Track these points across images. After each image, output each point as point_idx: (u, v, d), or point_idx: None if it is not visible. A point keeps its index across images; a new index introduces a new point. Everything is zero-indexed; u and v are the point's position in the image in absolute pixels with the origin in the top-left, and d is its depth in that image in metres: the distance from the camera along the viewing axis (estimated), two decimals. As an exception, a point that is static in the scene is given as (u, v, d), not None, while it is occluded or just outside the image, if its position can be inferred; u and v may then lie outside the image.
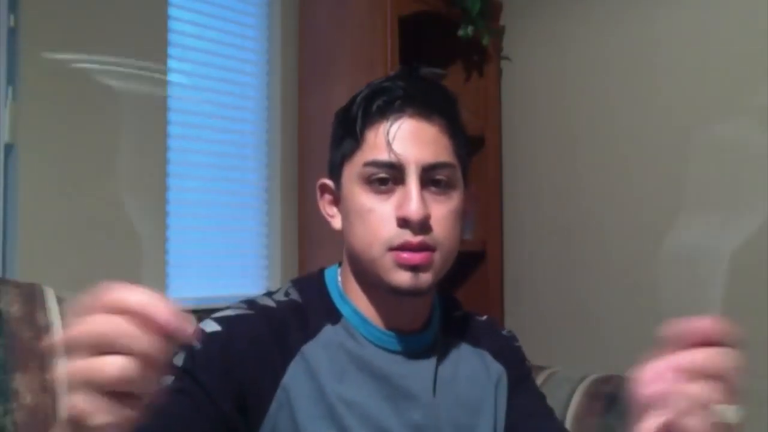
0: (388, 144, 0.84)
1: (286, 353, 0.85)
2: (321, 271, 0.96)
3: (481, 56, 2.51)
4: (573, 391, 1.47)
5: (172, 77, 2.03)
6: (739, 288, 2.08)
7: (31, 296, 1.04)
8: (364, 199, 0.85)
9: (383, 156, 0.84)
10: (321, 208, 0.95)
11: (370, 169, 0.85)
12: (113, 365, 0.47)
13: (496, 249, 2.50)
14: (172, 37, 2.04)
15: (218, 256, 2.17)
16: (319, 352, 0.86)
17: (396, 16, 2.16)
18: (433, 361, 0.92)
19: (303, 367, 0.84)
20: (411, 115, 0.85)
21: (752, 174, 1.99)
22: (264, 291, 0.95)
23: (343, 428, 0.83)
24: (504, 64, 2.58)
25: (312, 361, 0.85)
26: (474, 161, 2.69)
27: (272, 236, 2.29)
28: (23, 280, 1.10)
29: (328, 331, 0.88)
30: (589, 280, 2.32)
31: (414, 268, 0.83)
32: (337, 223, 0.92)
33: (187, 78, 2.10)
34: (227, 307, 0.87)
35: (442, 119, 0.87)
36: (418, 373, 0.89)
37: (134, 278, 1.78)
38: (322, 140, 2.37)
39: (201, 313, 1.29)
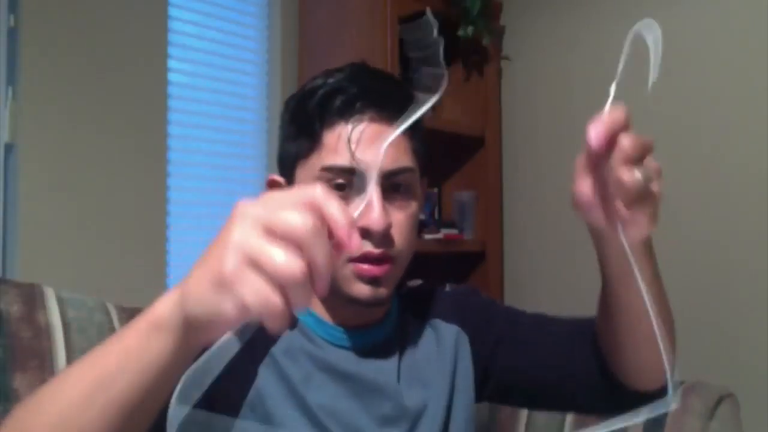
0: (350, 149, 0.80)
1: (255, 359, 0.82)
2: None
3: (481, 56, 2.51)
4: (573, 391, 1.47)
5: (172, 78, 2.03)
6: (740, 287, 2.07)
7: (31, 296, 1.04)
8: None
9: (343, 161, 0.80)
10: None
11: (328, 174, 0.81)
12: (288, 260, 0.45)
13: (496, 249, 2.50)
14: (172, 37, 2.04)
15: (218, 256, 2.17)
16: (283, 357, 0.84)
17: (396, 16, 2.16)
18: (394, 349, 0.90)
19: (274, 373, 0.82)
20: (371, 118, 0.82)
21: (752, 174, 2.00)
22: None
23: (322, 430, 0.82)
24: (504, 64, 2.57)
25: (280, 366, 0.83)
26: (474, 161, 2.70)
27: (272, 236, 2.29)
28: (23, 280, 1.10)
29: (286, 338, 0.85)
30: (589, 280, 2.31)
31: (373, 281, 0.81)
32: None
33: (187, 78, 2.10)
34: None
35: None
36: (380, 365, 0.88)
37: (134, 278, 1.78)
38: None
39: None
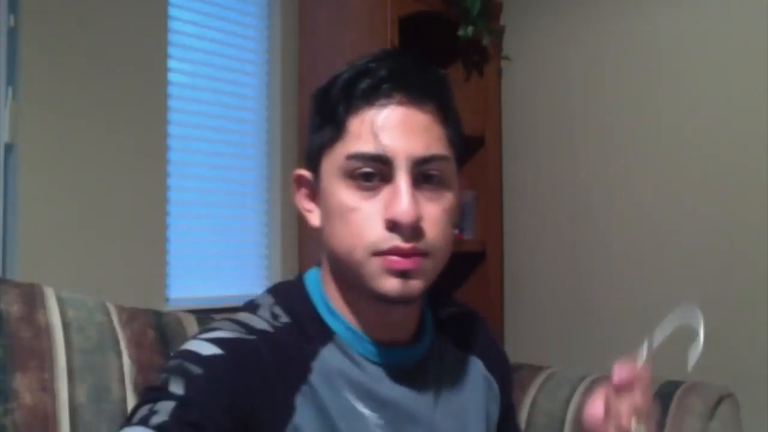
0: (375, 135, 0.74)
1: (292, 387, 0.75)
2: (301, 279, 0.86)
3: (481, 56, 2.51)
4: (573, 391, 1.47)
5: (172, 78, 2.03)
6: (739, 288, 2.07)
7: (31, 296, 1.04)
8: (346, 196, 0.75)
9: (369, 148, 0.74)
10: (297, 202, 0.84)
11: (354, 163, 0.75)
12: None
13: (496, 249, 2.50)
14: (172, 37, 2.04)
15: (218, 256, 2.17)
16: (321, 382, 0.77)
17: (396, 16, 2.16)
18: (430, 373, 0.85)
19: (311, 404, 0.76)
20: (400, 102, 0.75)
21: (752, 174, 2.00)
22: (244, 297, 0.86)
23: None
24: (504, 64, 2.57)
25: (318, 396, 0.76)
26: (474, 161, 2.71)
27: (272, 236, 2.29)
28: (23, 280, 1.10)
29: (324, 356, 0.78)
30: (589, 280, 2.32)
31: (403, 274, 0.74)
32: (315, 219, 0.82)
33: (187, 78, 2.10)
34: (213, 327, 0.76)
35: (435, 105, 0.77)
36: (416, 390, 0.82)
37: (134, 278, 1.79)
38: (322, 140, 2.37)
39: (201, 313, 1.29)
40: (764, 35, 1.98)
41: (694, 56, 2.12)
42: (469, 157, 2.53)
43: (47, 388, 0.99)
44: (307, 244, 2.27)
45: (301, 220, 2.30)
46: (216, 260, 2.16)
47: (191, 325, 1.20)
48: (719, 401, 1.36)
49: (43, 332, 1.02)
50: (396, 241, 0.74)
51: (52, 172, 1.77)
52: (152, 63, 1.97)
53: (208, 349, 0.72)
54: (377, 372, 0.80)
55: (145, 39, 1.95)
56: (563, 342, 2.36)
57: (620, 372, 0.74)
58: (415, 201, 0.74)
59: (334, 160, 0.77)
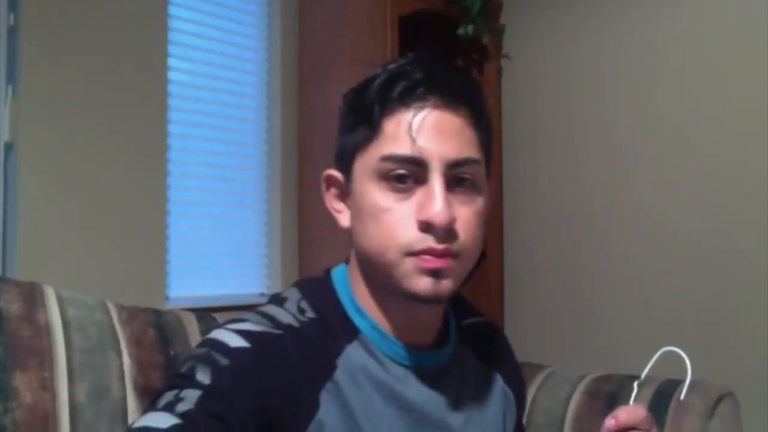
0: (411, 137, 0.75)
1: (317, 384, 0.76)
2: (328, 275, 0.87)
3: (481, 55, 2.51)
4: (573, 391, 1.47)
5: (172, 77, 2.03)
6: (740, 287, 2.07)
7: (31, 295, 1.04)
8: (379, 196, 0.76)
9: (404, 150, 0.75)
10: (326, 202, 0.85)
11: (388, 164, 0.75)
12: None
13: (496, 249, 2.50)
14: (172, 37, 2.04)
15: (218, 256, 2.17)
16: (346, 380, 0.77)
17: (396, 16, 2.16)
18: (453, 379, 0.85)
19: (335, 400, 0.76)
20: (435, 105, 0.76)
21: (753, 174, 2.00)
22: (264, 291, 0.87)
23: None
24: (504, 62, 2.57)
25: (343, 393, 0.77)
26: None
27: (272, 236, 2.29)
28: (23, 279, 1.10)
29: (349, 354, 0.79)
30: (589, 280, 2.32)
31: (435, 273, 0.75)
32: (344, 219, 0.83)
33: (187, 77, 2.10)
34: (242, 319, 0.77)
35: (468, 109, 0.78)
36: (439, 394, 0.83)
37: (134, 278, 1.79)
38: (322, 140, 2.38)
39: (201, 312, 1.29)
40: (764, 35, 1.98)
41: (694, 56, 2.12)
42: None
43: (47, 387, 0.99)
44: (307, 244, 2.27)
45: (301, 220, 2.30)
46: (216, 260, 2.16)
47: (191, 324, 1.20)
48: (719, 400, 1.36)
49: (43, 331, 1.02)
50: (429, 242, 0.74)
51: (52, 172, 1.77)
52: (152, 62, 1.97)
53: (236, 341, 0.73)
54: (401, 373, 0.81)
55: (145, 39, 1.95)
56: (563, 341, 2.36)
57: (620, 414, 0.76)
58: (448, 203, 0.74)
59: (367, 161, 0.78)
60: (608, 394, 1.44)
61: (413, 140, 0.75)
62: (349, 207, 0.82)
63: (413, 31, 2.35)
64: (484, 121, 0.82)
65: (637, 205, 2.22)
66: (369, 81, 0.79)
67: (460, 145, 0.77)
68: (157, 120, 1.97)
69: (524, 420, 1.04)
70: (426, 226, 0.74)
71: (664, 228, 2.16)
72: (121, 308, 1.14)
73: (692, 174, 2.11)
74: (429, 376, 0.82)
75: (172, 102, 2.02)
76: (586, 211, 2.34)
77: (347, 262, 0.87)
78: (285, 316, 0.79)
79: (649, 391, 1.40)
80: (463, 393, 0.86)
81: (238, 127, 2.27)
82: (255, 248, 2.28)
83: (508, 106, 2.57)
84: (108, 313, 1.11)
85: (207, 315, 1.27)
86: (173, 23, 2.04)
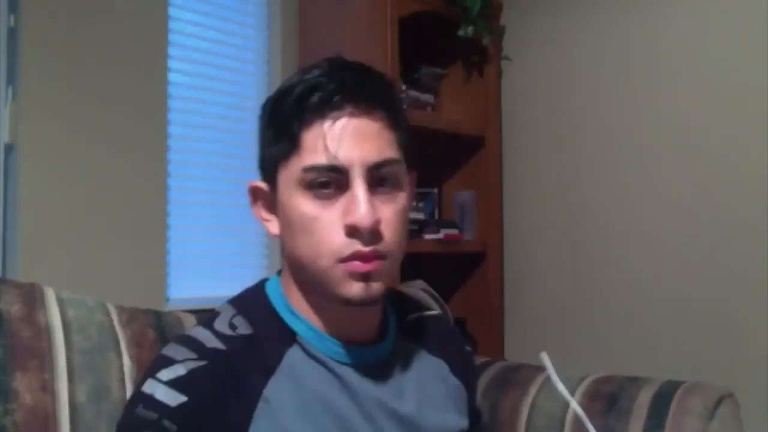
0: (330, 147, 0.77)
1: (248, 404, 0.78)
2: (262, 286, 0.90)
3: (481, 56, 2.51)
4: (573, 391, 1.47)
5: (172, 78, 2.03)
6: (739, 287, 2.07)
7: (31, 296, 1.04)
8: (306, 206, 0.79)
9: (324, 160, 0.77)
10: (254, 212, 0.89)
11: (311, 175, 0.78)
12: None
13: (496, 249, 2.50)
14: (172, 37, 2.04)
15: (218, 256, 2.17)
16: (283, 387, 0.79)
17: (396, 16, 2.16)
18: (395, 371, 0.88)
19: (267, 415, 0.78)
20: (351, 113, 0.79)
21: (753, 174, 2.00)
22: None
23: None
24: (504, 64, 2.57)
25: (276, 403, 0.78)
26: (474, 161, 2.71)
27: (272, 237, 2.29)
28: (23, 280, 1.10)
29: (290, 359, 0.82)
30: (590, 280, 2.32)
31: (365, 277, 0.78)
32: (273, 228, 0.86)
33: (188, 78, 2.10)
34: (166, 360, 0.79)
35: (384, 112, 0.81)
36: (383, 387, 0.85)
37: (134, 278, 1.79)
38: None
39: (201, 313, 1.29)
40: (764, 35, 1.98)
41: (694, 56, 2.12)
42: (469, 157, 2.53)
43: (47, 388, 0.99)
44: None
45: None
46: (216, 260, 2.16)
47: (191, 324, 1.20)
48: (719, 401, 1.36)
49: (43, 332, 1.02)
50: (357, 245, 0.77)
51: (52, 172, 1.77)
52: (152, 63, 1.97)
53: (173, 398, 0.75)
54: (344, 370, 0.83)
55: (145, 39, 1.95)
56: (563, 342, 2.36)
57: None
58: (372, 205, 0.77)
59: (290, 173, 0.80)
60: (608, 395, 1.44)
61: (332, 150, 0.77)
62: (277, 216, 0.85)
63: (413, 33, 2.35)
64: (401, 120, 0.84)
65: (637, 205, 2.22)
66: (285, 92, 0.82)
67: (380, 148, 0.80)
68: (157, 120, 1.97)
69: (522, 420, 1.05)
70: (352, 231, 0.77)
71: (664, 228, 2.16)
72: (121, 309, 1.14)
73: (692, 174, 2.11)
74: (370, 370, 0.85)
75: (172, 103, 2.02)
76: (586, 212, 2.34)
77: (279, 272, 0.90)
78: (211, 340, 0.81)
79: (649, 393, 1.40)
80: (408, 383, 0.89)
81: (238, 128, 2.27)
82: (255, 249, 2.28)
83: (508, 107, 2.57)
84: (108, 314, 1.11)
85: (207, 315, 1.27)
86: (173, 24, 2.04)
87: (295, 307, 0.85)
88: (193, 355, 0.79)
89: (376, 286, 0.79)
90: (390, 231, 0.80)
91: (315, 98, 0.79)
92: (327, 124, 0.78)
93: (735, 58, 2.04)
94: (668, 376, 1.47)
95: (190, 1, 2.11)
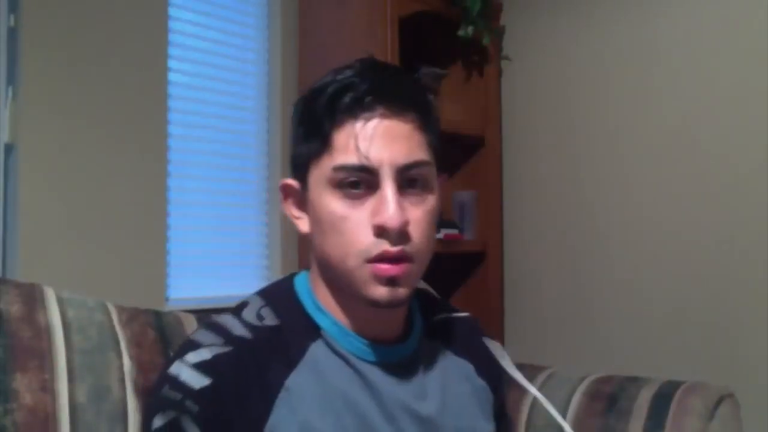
0: (361, 147, 0.78)
1: (270, 392, 0.78)
2: (291, 280, 0.91)
3: (481, 56, 2.51)
4: (573, 391, 1.47)
5: (172, 78, 2.03)
6: (739, 287, 2.07)
7: (31, 296, 1.04)
8: (335, 205, 0.80)
9: (355, 160, 0.78)
10: (285, 210, 0.90)
11: (341, 174, 0.79)
12: None
13: (496, 249, 2.50)
14: (172, 37, 2.04)
15: (218, 256, 2.17)
16: (306, 380, 0.80)
17: (396, 16, 2.16)
18: (418, 371, 0.88)
19: (288, 404, 0.78)
20: (382, 114, 0.79)
21: (752, 174, 2.00)
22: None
23: None
24: (504, 64, 2.57)
25: (297, 395, 0.79)
26: (474, 161, 2.71)
27: (272, 236, 2.29)
28: (23, 280, 1.10)
29: (314, 353, 0.82)
30: (590, 280, 2.32)
31: (391, 281, 0.79)
32: (303, 225, 0.87)
33: (188, 78, 2.10)
34: (193, 344, 0.80)
35: (416, 114, 0.82)
36: (406, 386, 0.85)
37: (134, 278, 1.79)
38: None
39: (201, 313, 1.29)
40: (764, 35, 1.98)
41: (694, 56, 2.12)
42: (469, 157, 2.53)
43: (47, 388, 0.99)
44: (306, 243, 2.27)
45: (301, 220, 2.30)
46: (216, 260, 2.16)
47: (191, 325, 1.20)
48: (719, 401, 1.36)
49: (43, 332, 1.02)
50: (384, 246, 0.78)
51: (52, 172, 1.77)
52: (152, 63, 1.97)
53: (198, 381, 0.77)
54: (366, 367, 0.84)
55: (145, 39, 1.95)
56: (563, 342, 2.36)
57: None
58: (401, 206, 0.78)
59: (321, 172, 0.81)
60: (608, 395, 1.44)
61: (363, 150, 0.78)
62: (307, 214, 0.86)
63: (413, 33, 2.35)
64: (431, 123, 0.85)
65: (637, 205, 2.22)
66: (318, 91, 0.83)
67: (410, 150, 0.80)
68: (157, 121, 1.97)
69: (522, 420, 1.04)
70: (380, 231, 0.78)
71: (664, 228, 2.16)
72: (121, 309, 1.14)
73: (692, 174, 2.11)
74: (394, 369, 0.85)
75: (172, 103, 2.02)
76: (586, 212, 2.34)
77: (309, 268, 0.90)
78: (238, 327, 0.82)
79: (649, 393, 1.40)
80: (432, 383, 0.89)
81: (238, 128, 2.27)
82: (255, 249, 2.28)
83: (508, 107, 2.57)
84: (108, 314, 1.11)
85: (207, 316, 1.27)
86: (173, 24, 2.04)
87: (321, 303, 0.86)
88: (220, 341, 0.80)
89: (402, 291, 0.80)
90: (418, 232, 0.80)
91: (347, 98, 0.80)
92: (359, 125, 0.79)
93: (735, 58, 2.04)
94: (668, 376, 1.46)
95: (190, 1, 2.11)
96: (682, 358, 2.06)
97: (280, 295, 0.88)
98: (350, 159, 0.79)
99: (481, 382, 0.95)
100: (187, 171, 2.09)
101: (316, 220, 0.83)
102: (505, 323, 2.50)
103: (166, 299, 1.98)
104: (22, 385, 0.96)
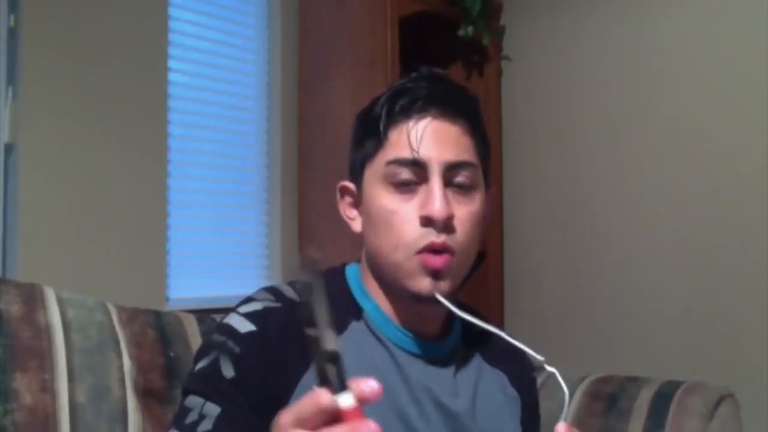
0: (413, 142, 0.83)
1: (309, 353, 0.82)
2: (342, 267, 0.96)
3: (481, 56, 2.51)
4: (573, 391, 1.47)
5: (172, 78, 2.03)
6: (740, 287, 2.07)
7: (31, 296, 1.04)
8: (386, 200, 0.85)
9: (406, 154, 0.84)
10: (341, 210, 0.94)
11: (393, 168, 0.84)
12: None
13: (496, 249, 2.50)
14: (172, 37, 2.04)
15: (218, 256, 2.17)
16: (344, 348, 0.83)
17: (396, 16, 2.16)
18: (454, 369, 0.91)
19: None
20: (434, 116, 0.85)
21: (752, 174, 2.00)
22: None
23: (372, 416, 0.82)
24: (504, 64, 2.57)
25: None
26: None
27: (272, 236, 2.29)
28: (23, 280, 1.10)
29: (355, 329, 0.87)
30: (589, 280, 2.32)
31: (435, 275, 0.83)
32: (357, 225, 0.92)
33: (188, 78, 2.10)
34: (249, 298, 0.87)
35: (465, 120, 0.87)
36: (440, 380, 0.88)
37: (134, 278, 1.79)
38: (323, 140, 2.37)
39: (201, 313, 1.29)
40: (765, 35, 1.98)
41: (694, 56, 2.12)
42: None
43: (47, 388, 0.99)
44: (307, 244, 2.27)
45: (301, 220, 2.30)
46: (216, 260, 2.16)
47: (191, 325, 1.20)
48: (719, 401, 1.36)
49: (43, 332, 1.02)
50: (431, 236, 0.82)
51: (52, 172, 1.77)
52: (152, 63, 1.97)
53: (244, 326, 0.82)
54: (399, 353, 0.87)
55: (145, 39, 1.95)
56: (563, 342, 2.36)
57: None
58: (446, 199, 0.83)
59: (375, 168, 0.87)
60: (608, 395, 1.44)
61: (414, 145, 0.83)
62: (360, 213, 0.91)
63: (413, 33, 2.35)
64: (480, 132, 0.90)
65: (637, 205, 2.22)
66: (375, 100, 0.89)
67: (457, 150, 0.85)
68: (157, 121, 1.97)
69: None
70: (427, 221, 0.82)
71: (664, 228, 2.16)
72: (121, 309, 1.14)
73: (692, 174, 2.11)
74: (428, 362, 0.89)
75: (172, 103, 2.02)
76: (586, 212, 2.34)
77: (359, 261, 0.95)
78: (290, 292, 0.87)
79: (649, 393, 1.40)
80: (464, 384, 0.91)
81: (238, 128, 2.27)
82: (255, 249, 2.28)
83: (508, 107, 2.57)
84: (108, 314, 1.11)
85: (207, 316, 1.27)
86: (173, 24, 2.04)
87: (368, 290, 0.91)
88: (272, 298, 0.86)
89: (444, 285, 0.84)
90: (462, 229, 0.84)
91: (402, 101, 0.86)
92: (411, 123, 0.84)
93: (735, 58, 2.04)
94: (668, 376, 1.46)
95: (190, 1, 2.11)
96: (682, 358, 2.06)
97: (331, 275, 0.93)
98: (402, 153, 0.84)
99: (513, 392, 0.98)
100: (187, 171, 2.09)
101: (368, 216, 0.88)
102: (505, 323, 2.50)
103: (166, 299, 1.98)
104: (22, 385, 0.97)
